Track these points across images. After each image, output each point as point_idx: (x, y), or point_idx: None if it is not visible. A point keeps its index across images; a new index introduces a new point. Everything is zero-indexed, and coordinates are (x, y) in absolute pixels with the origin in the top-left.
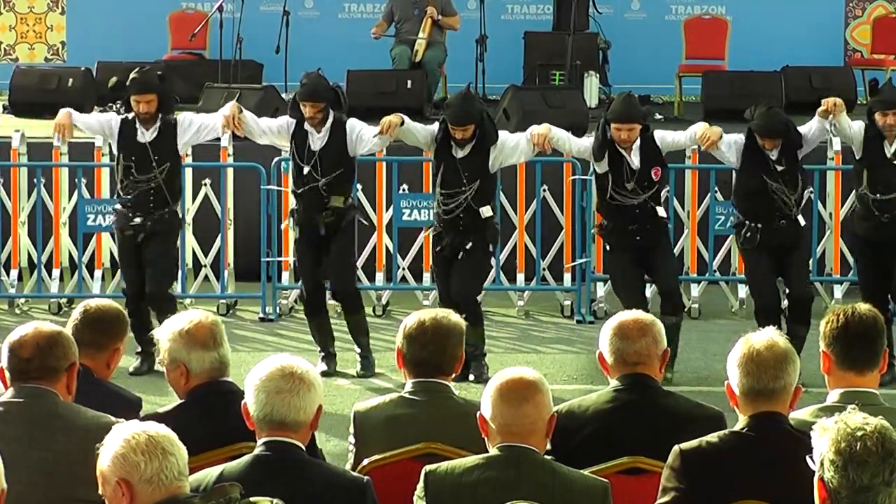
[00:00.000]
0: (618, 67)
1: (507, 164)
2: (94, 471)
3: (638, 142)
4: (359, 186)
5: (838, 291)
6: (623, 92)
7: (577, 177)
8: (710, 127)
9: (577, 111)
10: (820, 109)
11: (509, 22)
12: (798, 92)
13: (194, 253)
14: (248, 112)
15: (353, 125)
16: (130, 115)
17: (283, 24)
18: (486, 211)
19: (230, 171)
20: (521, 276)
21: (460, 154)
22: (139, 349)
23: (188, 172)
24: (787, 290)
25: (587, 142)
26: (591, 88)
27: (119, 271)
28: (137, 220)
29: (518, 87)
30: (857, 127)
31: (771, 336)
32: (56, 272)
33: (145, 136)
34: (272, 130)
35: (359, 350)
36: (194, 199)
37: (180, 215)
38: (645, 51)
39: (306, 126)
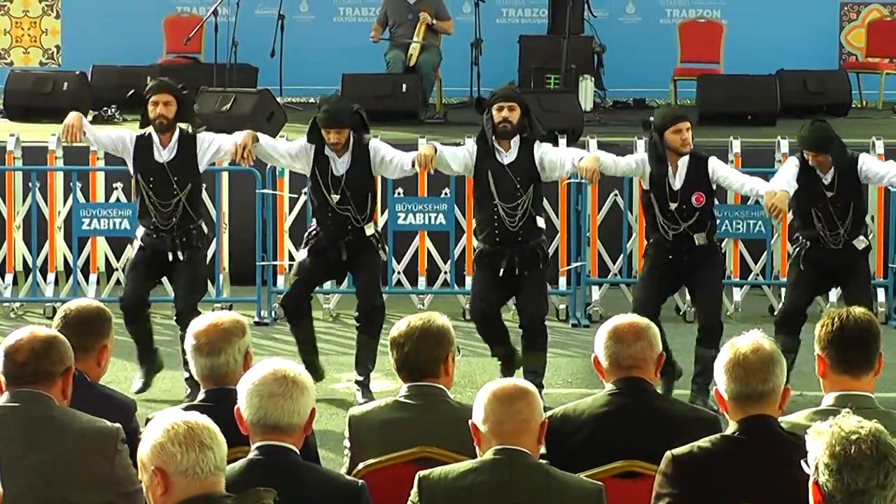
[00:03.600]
0: (613, 71)
1: (549, 179)
2: (89, 475)
3: (686, 161)
4: None
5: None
6: None
7: (572, 181)
8: (780, 198)
9: (572, 115)
10: None
11: (504, 25)
12: (793, 95)
13: None
14: (265, 137)
15: (378, 148)
16: (146, 132)
17: (278, 28)
18: (540, 221)
19: (225, 175)
20: None
21: (507, 160)
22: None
23: None
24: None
25: (631, 158)
26: (587, 92)
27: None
28: (163, 238)
29: None
30: None
31: (756, 339)
32: (51, 276)
33: (162, 155)
34: (291, 155)
35: (361, 378)
36: None
37: (205, 230)
38: (640, 54)
39: (326, 151)
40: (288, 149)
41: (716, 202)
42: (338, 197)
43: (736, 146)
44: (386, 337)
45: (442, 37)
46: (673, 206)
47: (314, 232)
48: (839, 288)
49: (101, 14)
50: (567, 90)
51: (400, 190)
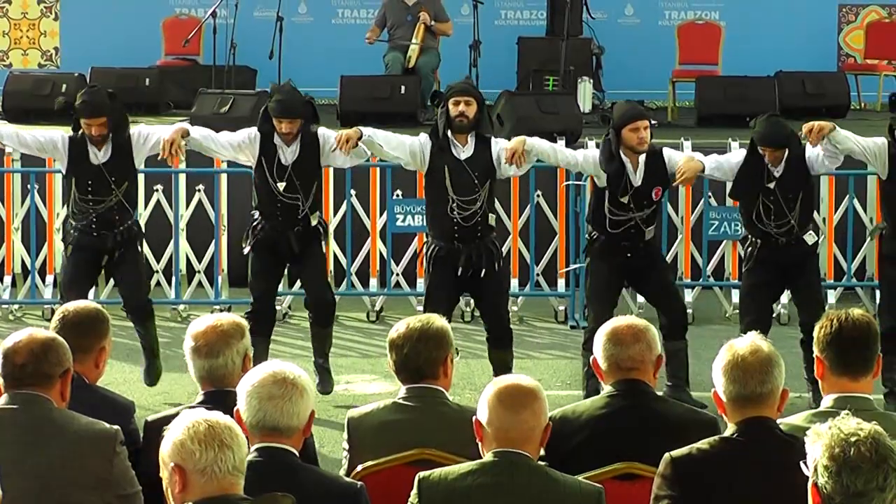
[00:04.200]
0: (611, 73)
1: (503, 176)
2: (88, 476)
3: (643, 158)
4: (352, 192)
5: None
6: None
7: (570, 182)
8: (693, 166)
9: (570, 117)
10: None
11: (503, 27)
12: (791, 97)
13: (188, 259)
14: (201, 129)
15: (326, 136)
16: (79, 133)
17: (277, 30)
18: (492, 218)
19: (224, 177)
20: (514, 282)
21: (463, 155)
22: None
23: (181, 178)
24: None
25: (579, 153)
26: (585, 94)
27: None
28: (104, 236)
29: (512, 93)
30: (870, 144)
31: (754, 341)
32: (50, 278)
33: (98, 156)
34: (232, 146)
35: (321, 360)
36: (188, 205)
37: (140, 224)
38: (638, 56)
39: (275, 140)
40: (229, 140)
41: (714, 203)
42: (284, 185)
43: (735, 147)
44: (376, 336)
45: (441, 38)
46: (625, 200)
47: (259, 225)
48: (791, 290)
49: (99, 16)
50: (566, 92)
51: (398, 192)
